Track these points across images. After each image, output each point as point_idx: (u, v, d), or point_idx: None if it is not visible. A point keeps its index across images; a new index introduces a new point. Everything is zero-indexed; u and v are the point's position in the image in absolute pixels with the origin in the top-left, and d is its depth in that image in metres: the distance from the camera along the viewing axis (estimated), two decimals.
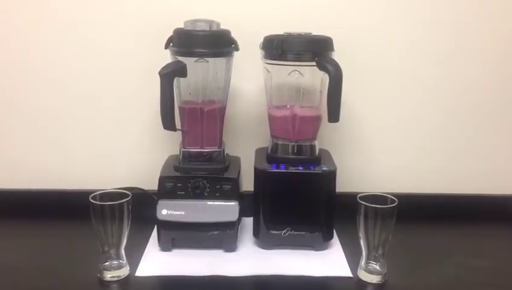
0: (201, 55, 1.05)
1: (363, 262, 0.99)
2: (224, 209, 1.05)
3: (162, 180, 1.07)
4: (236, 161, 1.17)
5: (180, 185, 1.06)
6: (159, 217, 1.05)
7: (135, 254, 1.04)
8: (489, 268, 1.05)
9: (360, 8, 1.21)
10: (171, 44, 1.06)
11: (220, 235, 1.05)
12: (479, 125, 1.27)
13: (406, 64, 1.24)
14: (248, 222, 1.12)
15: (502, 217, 1.24)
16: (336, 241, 1.11)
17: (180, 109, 1.10)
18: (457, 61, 1.24)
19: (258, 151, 1.15)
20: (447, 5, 1.21)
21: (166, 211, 1.05)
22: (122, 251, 0.98)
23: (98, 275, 0.97)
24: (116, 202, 0.95)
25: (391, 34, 1.22)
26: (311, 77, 1.07)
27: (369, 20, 1.21)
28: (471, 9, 1.22)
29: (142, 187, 1.20)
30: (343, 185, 1.15)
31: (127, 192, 0.97)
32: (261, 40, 1.07)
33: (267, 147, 1.13)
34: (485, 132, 1.28)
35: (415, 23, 1.22)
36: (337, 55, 1.05)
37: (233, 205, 1.06)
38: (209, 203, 1.06)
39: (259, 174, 1.06)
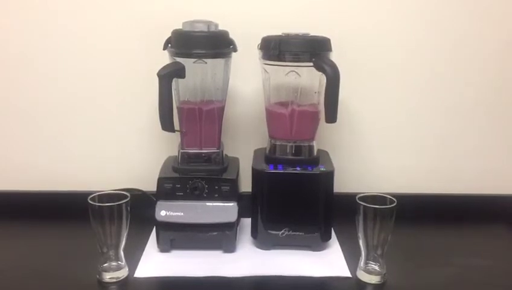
0: (200, 56, 1.05)
1: (362, 262, 0.99)
2: (223, 210, 1.05)
3: (161, 181, 1.07)
4: (235, 161, 1.17)
5: (178, 186, 1.06)
6: (158, 218, 1.05)
7: (134, 255, 1.04)
8: (488, 268, 1.04)
9: (359, 8, 1.21)
10: (169, 45, 1.06)
11: (219, 236, 1.05)
12: (479, 125, 1.27)
13: (405, 64, 1.24)
14: (246, 222, 1.12)
15: (502, 217, 1.24)
16: (334, 241, 1.11)
17: (179, 109, 1.10)
18: (458, 62, 1.24)
19: (257, 152, 1.15)
20: (447, 5, 1.21)
21: (165, 212, 1.05)
22: (121, 252, 0.98)
23: (97, 276, 0.97)
24: (114, 203, 0.95)
25: (390, 34, 1.22)
26: (309, 77, 1.07)
27: (368, 20, 1.22)
28: (472, 9, 1.22)
29: (140, 188, 1.20)
30: (342, 185, 1.15)
31: (126, 193, 0.97)
32: (259, 40, 1.07)
33: (266, 148, 1.13)
34: (485, 132, 1.28)
35: (414, 24, 1.22)
36: (335, 56, 1.05)
37: (232, 205, 1.06)
38: (207, 204, 1.06)
39: (257, 174, 1.06)
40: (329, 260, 1.05)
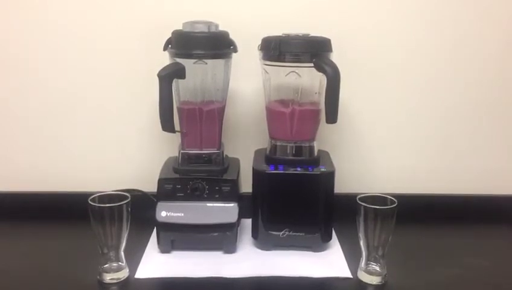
0: (200, 57, 1.05)
1: (363, 263, 0.99)
2: (224, 211, 1.05)
3: (161, 182, 1.07)
4: (236, 162, 1.17)
5: (179, 186, 1.06)
6: (159, 218, 1.05)
7: (135, 256, 1.04)
8: (489, 268, 1.05)
9: (359, 8, 1.21)
10: (169, 46, 1.06)
11: (220, 237, 1.05)
12: (479, 125, 1.27)
13: (406, 65, 1.24)
14: (247, 223, 1.12)
15: (502, 217, 1.24)
16: (335, 242, 1.11)
17: (179, 110, 1.10)
18: (458, 62, 1.24)
19: (257, 153, 1.15)
20: (447, 5, 1.21)
21: (165, 212, 1.05)
22: (122, 253, 0.98)
23: (98, 277, 0.97)
24: (115, 204, 0.95)
25: (390, 34, 1.22)
26: (309, 78, 1.07)
27: (368, 20, 1.22)
28: (472, 9, 1.22)
29: (141, 189, 1.20)
30: (343, 186, 1.15)
31: (126, 194, 0.97)
32: (260, 41, 1.07)
33: (266, 148, 1.13)
34: (485, 132, 1.28)
35: (414, 24, 1.22)
36: (335, 56, 1.05)
37: (232, 206, 1.06)
38: (208, 204, 1.06)
39: (257, 175, 1.06)
40: (329, 261, 1.05)
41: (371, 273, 0.98)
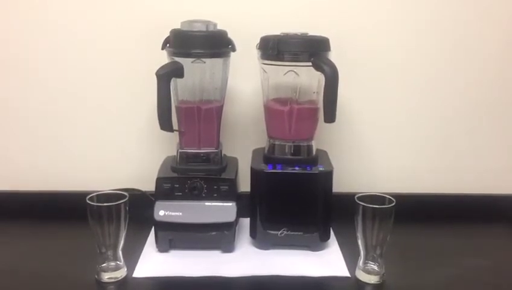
0: (198, 56, 1.05)
1: (361, 262, 0.99)
2: (222, 210, 1.05)
3: (159, 181, 1.07)
4: (234, 161, 1.17)
5: (177, 186, 1.06)
6: (157, 218, 1.05)
7: (133, 255, 1.04)
8: (488, 268, 1.04)
9: (359, 8, 1.21)
10: (167, 45, 1.06)
11: (218, 236, 1.05)
12: (479, 125, 1.27)
13: (405, 64, 1.23)
14: (245, 222, 1.11)
15: (502, 217, 1.24)
16: (333, 241, 1.11)
17: (177, 109, 1.10)
18: (457, 62, 1.24)
19: (255, 152, 1.15)
20: (447, 5, 1.21)
21: (163, 212, 1.05)
22: (120, 252, 0.98)
23: (96, 276, 0.97)
24: (113, 203, 0.95)
25: (389, 33, 1.22)
26: (308, 77, 1.07)
27: (368, 20, 1.21)
28: (472, 9, 1.21)
29: (139, 188, 1.20)
30: (341, 185, 1.15)
31: (124, 193, 0.97)
32: (258, 40, 1.07)
33: (264, 148, 1.13)
34: (485, 132, 1.27)
35: (414, 24, 1.22)
36: (334, 56, 1.05)
37: (230, 205, 1.06)
38: (206, 204, 1.06)
39: (255, 174, 1.06)
40: (328, 260, 1.05)
41: (369, 272, 0.98)
